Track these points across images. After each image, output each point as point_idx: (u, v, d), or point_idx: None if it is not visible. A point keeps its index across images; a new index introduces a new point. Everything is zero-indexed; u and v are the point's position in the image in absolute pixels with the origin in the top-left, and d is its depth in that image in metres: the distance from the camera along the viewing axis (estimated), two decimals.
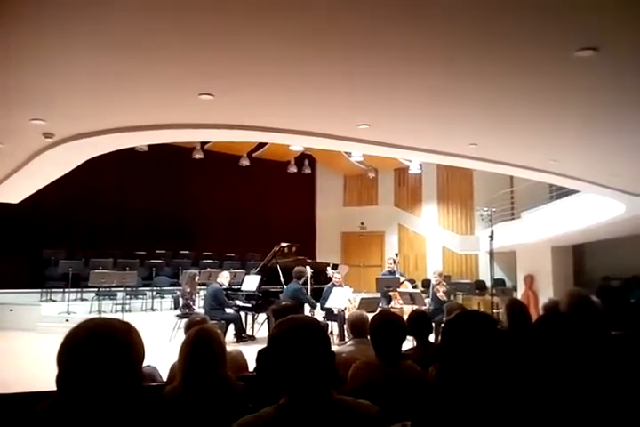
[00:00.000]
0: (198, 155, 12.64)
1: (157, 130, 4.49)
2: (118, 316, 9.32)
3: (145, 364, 2.74)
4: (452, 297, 9.86)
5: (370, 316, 7.33)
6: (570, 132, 4.83)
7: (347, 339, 7.36)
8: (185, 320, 8.30)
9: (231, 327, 8.19)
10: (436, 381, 2.21)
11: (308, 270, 8.45)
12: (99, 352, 1.12)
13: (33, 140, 4.77)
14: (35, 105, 3.98)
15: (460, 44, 2.95)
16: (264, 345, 6.45)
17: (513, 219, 12.16)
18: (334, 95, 3.92)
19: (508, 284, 12.98)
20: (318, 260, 13.69)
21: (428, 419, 1.62)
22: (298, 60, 3.21)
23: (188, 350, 2.14)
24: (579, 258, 12.27)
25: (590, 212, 8.83)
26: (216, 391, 2.03)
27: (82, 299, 10.58)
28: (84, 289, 10.48)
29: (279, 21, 2.65)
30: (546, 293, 11.45)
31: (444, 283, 8.31)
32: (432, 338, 4.76)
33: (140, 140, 5.07)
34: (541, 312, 3.91)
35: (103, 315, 9.36)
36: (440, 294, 7.96)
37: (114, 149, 5.37)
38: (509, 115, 4.37)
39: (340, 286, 8.39)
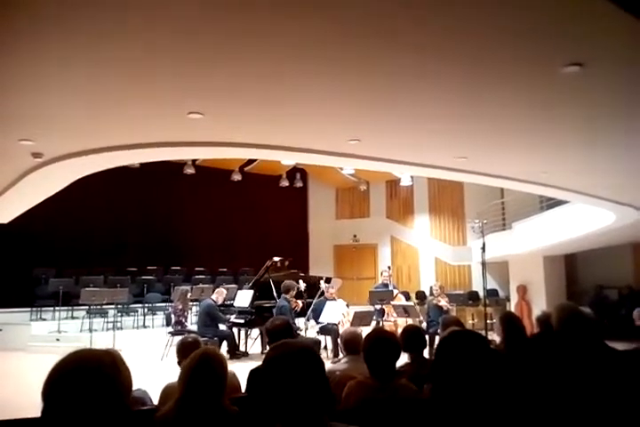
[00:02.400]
0: (189, 170, 12.64)
1: (147, 148, 4.49)
2: (110, 334, 9.22)
3: (135, 387, 2.70)
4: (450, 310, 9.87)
5: (364, 330, 7.27)
6: (559, 144, 4.89)
7: (340, 354, 7.31)
8: (177, 337, 8.26)
9: (224, 344, 8.11)
10: (429, 399, 2.19)
11: (302, 285, 8.41)
12: (84, 387, 1.10)
13: (22, 160, 4.74)
14: (23, 126, 3.97)
15: (448, 59, 2.98)
16: (257, 362, 6.38)
17: (504, 229, 12.21)
18: (324, 111, 3.94)
19: (501, 294, 12.98)
20: (311, 273, 13.66)
21: None
22: (286, 77, 3.22)
23: (188, 376, 2.09)
24: (571, 267, 12.33)
25: (581, 221, 8.90)
26: (210, 418, 2.00)
27: (72, 317, 10.45)
28: (75, 307, 10.36)
29: (266, 37, 2.66)
30: (539, 303, 11.47)
31: (444, 295, 8.34)
32: (427, 352, 4.74)
33: (130, 159, 5.06)
34: (535, 324, 3.89)
35: (94, 333, 9.25)
36: (444, 304, 8.02)
37: (104, 168, 5.34)
38: (498, 129, 4.42)
39: (334, 299, 8.35)
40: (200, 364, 2.10)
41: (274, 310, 8.26)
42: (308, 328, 8.65)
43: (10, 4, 2.26)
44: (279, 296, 8.52)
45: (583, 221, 8.82)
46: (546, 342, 2.32)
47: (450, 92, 3.51)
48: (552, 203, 9.95)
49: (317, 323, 8.14)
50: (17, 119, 3.84)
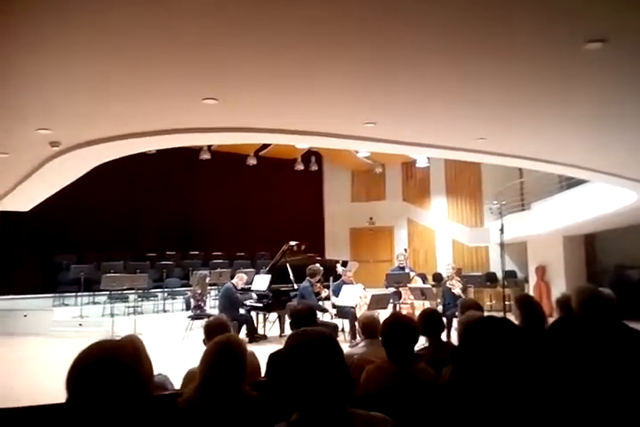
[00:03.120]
0: (205, 155, 12.65)
1: (162, 135, 4.49)
2: (131, 318, 9.40)
3: (156, 372, 2.73)
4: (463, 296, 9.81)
5: (381, 313, 7.31)
6: (580, 123, 4.77)
7: (358, 337, 7.36)
8: (197, 321, 8.38)
9: (243, 328, 8.21)
10: (449, 384, 2.19)
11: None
12: (107, 379, 1.11)
13: (40, 149, 4.79)
14: (40, 115, 3.99)
15: (467, 39, 2.90)
16: (276, 345, 6.49)
17: (523, 210, 12.05)
18: (339, 95, 3.89)
19: (520, 275, 12.89)
20: (328, 256, 13.70)
21: (442, 423, 1.60)
22: (301, 61, 3.18)
23: (210, 362, 2.10)
24: (591, 247, 12.16)
25: (601, 201, 8.74)
26: (231, 403, 2.02)
27: (94, 302, 10.65)
28: (96, 293, 10.54)
29: (282, 22, 2.61)
30: (558, 283, 11.37)
31: (458, 278, 8.24)
32: (444, 335, 4.74)
33: (146, 146, 5.08)
34: (554, 307, 3.84)
35: (116, 318, 9.43)
36: (457, 291, 7.89)
37: (120, 156, 5.37)
38: (518, 108, 4.32)
39: (351, 283, 8.37)
40: (221, 351, 2.11)
41: (297, 293, 8.35)
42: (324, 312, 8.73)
43: None
44: (296, 280, 8.59)
45: (603, 200, 8.65)
46: (567, 328, 2.29)
47: (470, 73, 3.43)
48: (572, 182, 9.77)
49: (334, 307, 8.18)
50: (34, 108, 3.87)
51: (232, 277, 9.28)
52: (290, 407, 1.39)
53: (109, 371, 1.12)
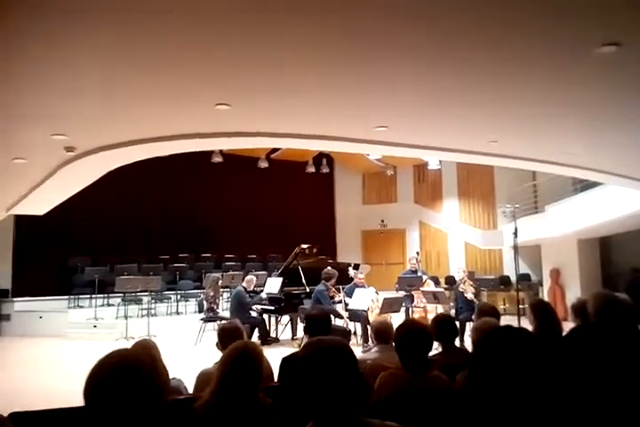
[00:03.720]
0: (217, 158, 12.73)
1: (176, 140, 4.52)
2: (144, 320, 9.47)
3: (170, 375, 2.74)
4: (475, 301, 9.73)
5: (393, 317, 7.28)
6: (594, 126, 4.72)
7: (370, 340, 7.34)
8: (210, 324, 8.41)
9: (255, 331, 8.23)
10: (465, 392, 2.18)
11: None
12: (125, 388, 1.12)
13: (55, 154, 4.85)
14: (55, 121, 4.05)
15: (480, 42, 2.89)
16: (288, 348, 6.52)
17: (537, 212, 11.95)
18: (351, 99, 3.89)
19: (534, 278, 12.77)
20: (339, 259, 13.70)
21: None
22: (312, 66, 3.18)
23: (227, 368, 2.11)
24: (606, 250, 12.01)
25: (616, 203, 8.64)
26: (246, 410, 2.03)
27: (108, 304, 10.77)
28: (111, 295, 10.66)
29: (294, 27, 2.62)
30: (573, 287, 11.25)
31: (471, 282, 8.18)
32: (457, 340, 4.72)
33: (160, 151, 5.12)
34: (570, 312, 3.80)
35: (130, 320, 9.52)
36: (469, 295, 7.81)
37: (134, 161, 5.43)
38: (531, 112, 4.29)
39: (363, 286, 8.35)
40: (239, 357, 2.12)
41: (305, 295, 8.37)
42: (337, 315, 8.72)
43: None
44: (308, 283, 8.60)
45: (618, 203, 8.56)
46: (584, 336, 2.26)
47: (482, 75, 3.41)
48: (586, 185, 9.68)
49: (346, 310, 8.18)
50: (49, 114, 3.91)
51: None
52: (303, 414, 1.40)
53: (127, 381, 1.13)
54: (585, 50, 2.97)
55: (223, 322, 8.40)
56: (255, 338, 8.04)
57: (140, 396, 1.14)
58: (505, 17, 2.59)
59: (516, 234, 7.32)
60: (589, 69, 3.28)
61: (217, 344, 2.96)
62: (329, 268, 8.19)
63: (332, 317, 8.07)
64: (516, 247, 8.01)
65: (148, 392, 1.15)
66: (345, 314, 7.97)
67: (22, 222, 10.46)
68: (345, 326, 7.76)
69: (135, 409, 1.13)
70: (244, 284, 8.75)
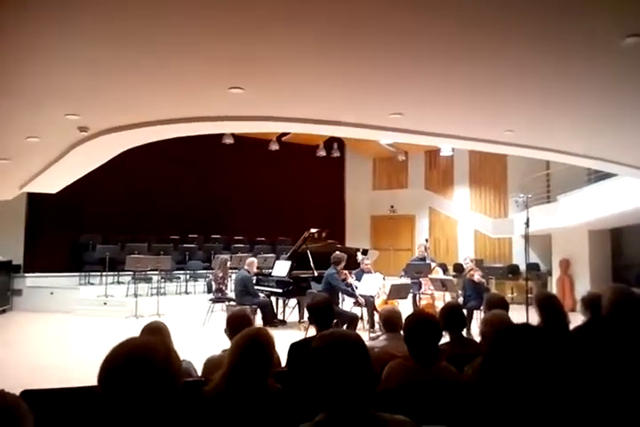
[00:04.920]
0: (228, 140, 12.68)
1: (189, 123, 4.51)
2: (154, 299, 9.59)
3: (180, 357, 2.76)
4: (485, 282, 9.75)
5: (401, 303, 7.26)
6: (615, 118, 4.64)
7: (376, 326, 7.39)
8: (218, 304, 8.48)
9: (259, 312, 8.30)
10: (475, 385, 2.18)
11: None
12: (138, 378, 1.13)
13: (69, 133, 4.86)
14: (69, 101, 4.04)
15: (500, 31, 2.83)
16: (295, 330, 6.54)
17: (549, 202, 11.84)
18: (366, 85, 3.84)
19: (543, 268, 12.72)
20: (348, 244, 13.72)
21: (466, 423, 1.60)
22: (327, 51, 3.14)
23: (238, 354, 2.13)
24: (616, 242, 11.90)
25: (629, 195, 8.54)
26: (256, 395, 2.05)
27: (119, 282, 10.90)
28: (121, 273, 10.77)
29: (309, 12, 2.58)
30: (582, 278, 11.20)
31: (478, 269, 8.20)
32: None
33: (172, 133, 5.10)
34: (579, 306, 3.78)
35: (139, 298, 9.64)
36: (477, 278, 7.84)
37: (147, 142, 5.42)
38: (550, 102, 4.22)
39: (370, 272, 8.37)
40: (250, 343, 2.14)
41: (311, 281, 8.42)
42: (344, 300, 8.78)
43: None
44: (317, 267, 8.63)
45: (631, 194, 8.45)
46: (597, 332, 2.25)
47: (502, 65, 3.35)
48: (600, 175, 9.55)
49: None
50: (64, 94, 3.91)
51: None
52: (313, 403, 1.41)
53: (141, 372, 1.14)
54: (609, 41, 2.90)
55: (231, 303, 8.53)
56: (259, 319, 8.11)
57: (153, 386, 1.15)
58: (526, 6, 2.52)
59: (527, 224, 7.26)
60: (614, 61, 3.21)
61: (225, 331, 2.98)
62: (337, 252, 8.19)
63: (343, 298, 8.16)
64: (526, 238, 7.95)
65: (160, 383, 1.16)
66: (351, 299, 8.01)
67: (35, 199, 10.56)
68: (353, 305, 7.82)
69: (148, 399, 1.14)
70: (246, 267, 8.74)
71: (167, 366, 1.22)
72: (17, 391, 2.23)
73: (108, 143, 5.18)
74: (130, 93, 3.95)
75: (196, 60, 3.26)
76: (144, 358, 1.17)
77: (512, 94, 4.01)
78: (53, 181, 7.16)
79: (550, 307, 3.27)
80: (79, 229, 11.47)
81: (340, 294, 7.98)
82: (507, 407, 1.34)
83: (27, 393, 2.27)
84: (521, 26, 2.76)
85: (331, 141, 14.77)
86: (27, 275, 10.57)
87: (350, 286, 7.98)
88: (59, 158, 5.76)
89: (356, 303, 7.98)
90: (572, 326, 3.23)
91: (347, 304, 8.36)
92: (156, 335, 2.79)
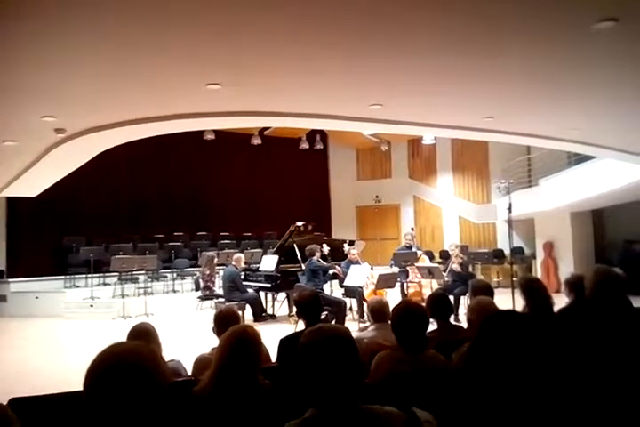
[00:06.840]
0: (210, 136, 12.58)
1: (167, 121, 4.46)
2: (141, 299, 9.53)
3: (168, 356, 2.74)
4: (470, 267, 9.86)
5: (388, 292, 7.31)
6: (590, 101, 4.69)
7: (365, 315, 7.43)
8: (206, 302, 8.44)
9: (249, 308, 8.29)
10: (462, 372, 2.21)
11: (325, 248, 8.48)
12: (123, 383, 1.12)
13: (45, 136, 4.78)
14: (44, 102, 3.97)
15: (475, 17, 2.83)
16: (285, 324, 6.56)
17: (530, 186, 11.98)
18: (345, 77, 3.83)
19: (527, 251, 12.90)
20: (334, 235, 13.75)
21: (454, 410, 1.63)
22: (304, 44, 3.12)
23: (226, 352, 2.12)
24: (599, 223, 12.11)
25: (609, 176, 8.67)
26: (246, 392, 2.05)
27: (104, 284, 10.80)
28: (107, 274, 10.66)
29: (283, 2, 2.56)
30: (566, 260, 11.39)
31: (461, 255, 8.27)
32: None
33: (150, 132, 5.04)
34: (563, 287, 3.83)
35: (126, 298, 9.57)
36: (455, 266, 7.95)
37: (125, 141, 5.36)
38: (527, 88, 4.25)
39: (357, 262, 8.40)
40: (238, 341, 2.13)
41: (299, 274, 8.44)
42: (333, 290, 8.82)
43: None
44: (304, 260, 8.64)
45: (612, 176, 8.58)
46: (581, 314, 2.28)
47: (476, 53, 3.36)
48: (580, 158, 9.67)
49: (341, 286, 8.26)
50: (38, 97, 3.84)
51: None
52: (303, 398, 1.41)
53: (126, 378, 1.13)
54: (582, 25, 2.92)
55: (220, 300, 8.50)
56: (249, 315, 8.11)
57: (139, 392, 1.14)
58: None
59: (510, 210, 7.33)
60: (587, 45, 3.23)
61: (213, 329, 2.98)
62: (310, 245, 8.23)
63: (332, 291, 8.21)
64: (510, 223, 8.04)
65: (146, 388, 1.15)
66: (340, 290, 8.06)
67: (15, 203, 10.39)
68: (342, 296, 7.90)
69: (134, 405, 1.13)
70: (233, 263, 8.71)
71: (153, 371, 1.21)
72: (5, 398, 2.22)
73: (86, 144, 5.11)
74: (106, 93, 3.89)
75: (171, 57, 3.22)
76: (128, 364, 1.16)
77: (490, 81, 4.03)
78: (32, 185, 7.06)
79: (534, 291, 3.31)
80: (62, 232, 11.30)
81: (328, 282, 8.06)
82: (493, 394, 1.37)
83: (15, 401, 2.25)
84: (497, 11, 2.76)
85: (313, 134, 14.73)
86: (10, 280, 10.41)
87: (335, 276, 8.07)
88: (36, 161, 5.67)
89: (344, 294, 8.03)
90: (556, 308, 3.28)
91: (336, 293, 8.42)
92: (143, 338, 2.77)
